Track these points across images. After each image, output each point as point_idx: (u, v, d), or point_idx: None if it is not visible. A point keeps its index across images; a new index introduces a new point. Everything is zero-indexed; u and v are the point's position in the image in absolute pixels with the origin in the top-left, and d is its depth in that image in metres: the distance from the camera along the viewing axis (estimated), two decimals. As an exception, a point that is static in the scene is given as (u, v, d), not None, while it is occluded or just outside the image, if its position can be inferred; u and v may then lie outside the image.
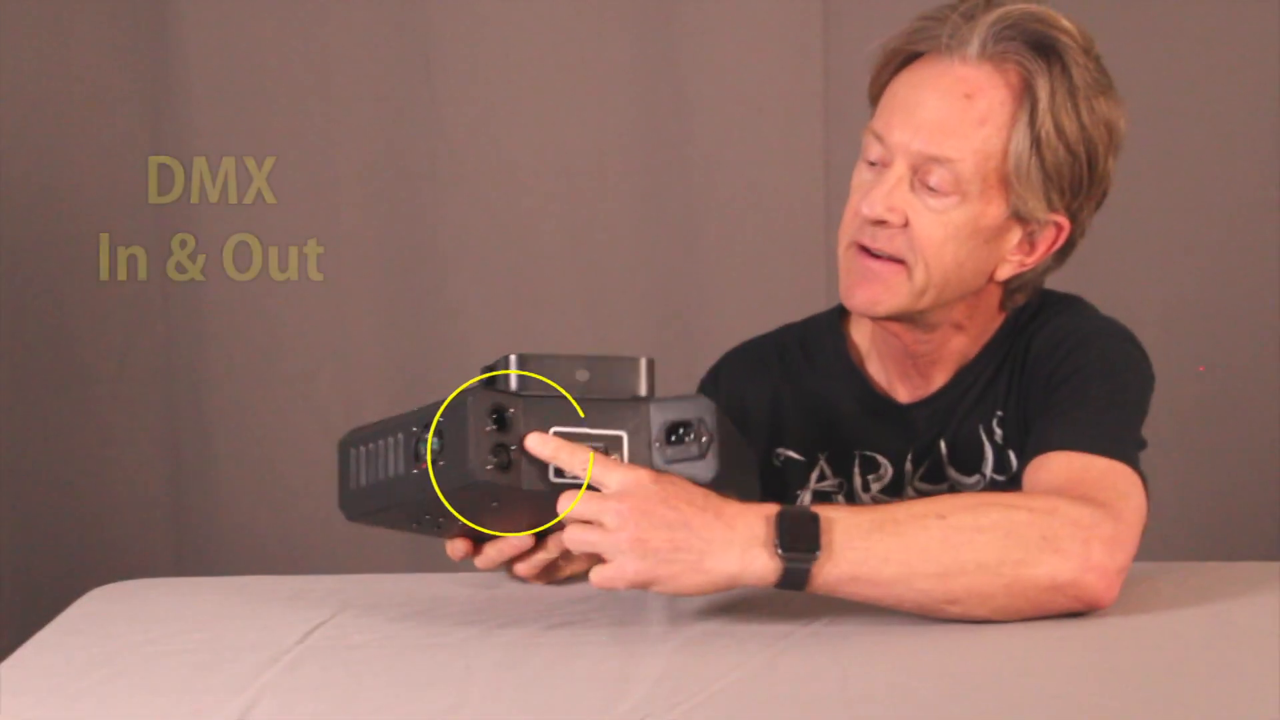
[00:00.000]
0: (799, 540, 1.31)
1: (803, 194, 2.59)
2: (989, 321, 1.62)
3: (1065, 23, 1.52)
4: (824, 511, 1.33)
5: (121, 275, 2.67)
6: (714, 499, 1.33)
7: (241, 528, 2.71)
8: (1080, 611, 1.36)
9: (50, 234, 2.66)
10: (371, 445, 1.38)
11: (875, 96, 1.58)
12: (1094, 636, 1.32)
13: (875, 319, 1.58)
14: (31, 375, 2.69)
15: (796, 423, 1.66)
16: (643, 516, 1.30)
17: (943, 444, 1.62)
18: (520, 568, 1.47)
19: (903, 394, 1.64)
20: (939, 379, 1.63)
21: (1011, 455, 1.60)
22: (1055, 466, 1.45)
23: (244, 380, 2.68)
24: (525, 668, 1.28)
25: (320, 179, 2.65)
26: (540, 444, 1.32)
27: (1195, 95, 2.54)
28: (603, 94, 2.61)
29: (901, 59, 1.56)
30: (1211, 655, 1.30)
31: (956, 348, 1.61)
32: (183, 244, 2.65)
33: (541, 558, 1.45)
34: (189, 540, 2.72)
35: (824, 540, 1.31)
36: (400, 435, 1.35)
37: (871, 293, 1.55)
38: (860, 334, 1.67)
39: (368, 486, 1.38)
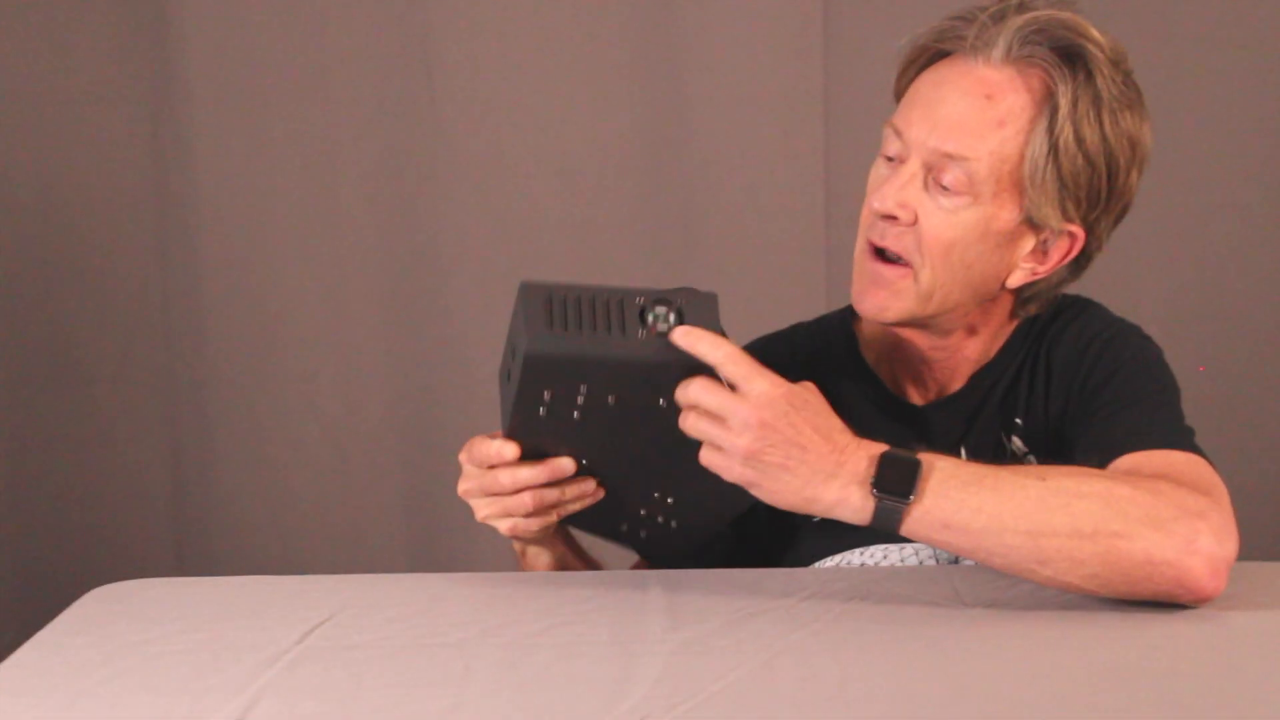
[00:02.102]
0: (896, 483, 1.34)
1: (803, 194, 2.59)
2: (1001, 327, 1.61)
3: (1095, 33, 1.50)
4: (927, 458, 1.35)
5: (122, 275, 2.67)
6: (836, 426, 1.35)
7: (241, 528, 2.71)
8: (1183, 602, 1.35)
9: (50, 234, 2.67)
10: (582, 298, 1.35)
11: (900, 93, 1.57)
12: (1094, 636, 1.32)
13: (886, 324, 1.58)
14: (31, 375, 2.69)
15: None
16: (766, 430, 1.33)
17: (963, 450, 1.60)
18: (525, 497, 1.44)
19: (916, 398, 1.63)
20: (954, 385, 1.62)
21: (1031, 463, 1.59)
22: (1140, 463, 1.44)
23: (244, 380, 2.69)
24: (525, 668, 1.28)
25: (320, 179, 2.65)
26: (687, 334, 1.34)
27: (1196, 94, 2.54)
28: (603, 94, 2.61)
29: (928, 57, 1.55)
30: (1211, 655, 1.30)
31: (970, 353, 1.61)
32: (183, 244, 2.65)
33: (555, 496, 1.44)
34: (189, 540, 2.72)
35: (920, 486, 1.34)
36: (622, 300, 1.35)
37: (879, 298, 1.54)
38: (873, 336, 1.65)
39: (573, 332, 1.34)
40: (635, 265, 2.63)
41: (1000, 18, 1.51)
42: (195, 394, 2.70)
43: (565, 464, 1.43)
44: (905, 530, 1.35)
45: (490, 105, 2.62)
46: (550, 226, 2.64)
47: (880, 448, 1.36)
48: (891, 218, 1.52)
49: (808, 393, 1.36)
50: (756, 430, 1.33)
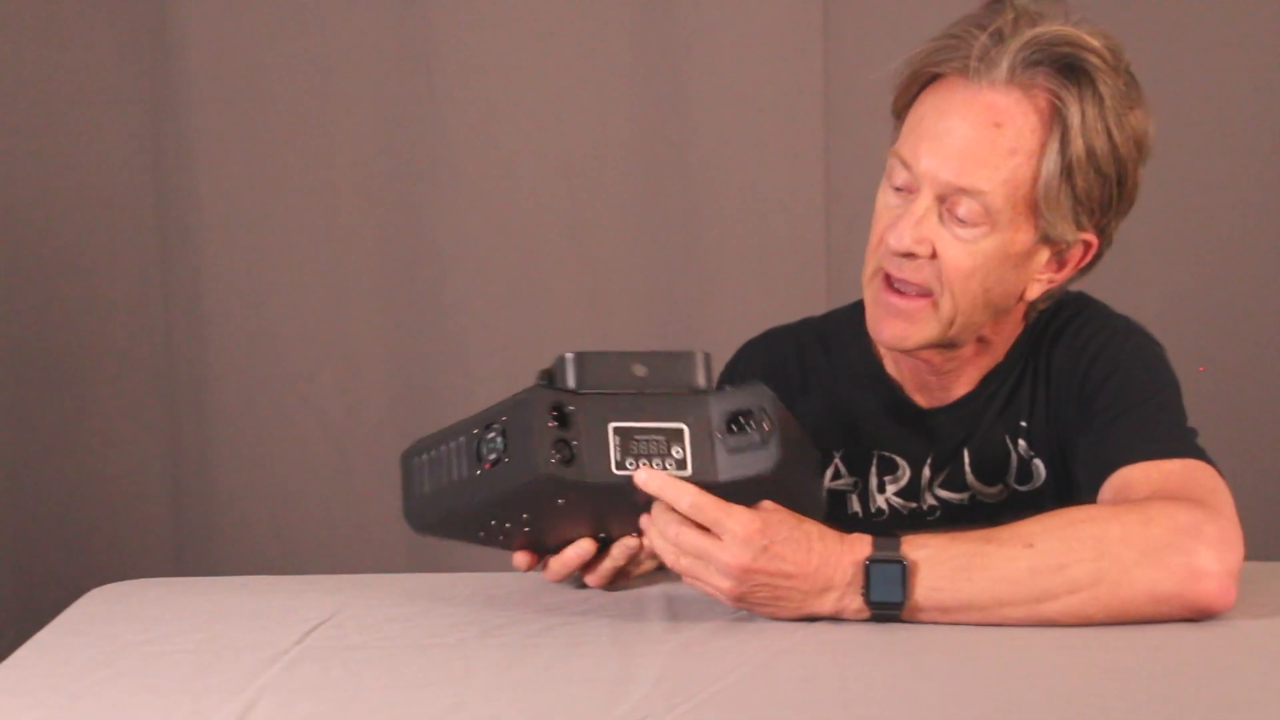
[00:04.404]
0: (887, 589, 1.34)
1: (803, 194, 2.59)
2: (1012, 333, 1.60)
3: (1093, 41, 1.48)
4: (911, 551, 1.34)
5: (122, 275, 2.67)
6: (812, 534, 1.35)
7: (241, 528, 2.71)
8: (1197, 618, 1.35)
9: (50, 234, 2.66)
10: (434, 452, 1.39)
11: (899, 113, 1.55)
12: (1093, 636, 1.32)
13: (905, 351, 1.57)
14: (31, 375, 2.69)
15: (812, 419, 1.64)
16: (746, 574, 1.33)
17: (966, 453, 1.60)
18: (590, 578, 1.46)
19: (921, 400, 1.62)
20: (959, 388, 1.61)
21: (1037, 465, 1.58)
22: (1135, 480, 1.44)
23: (244, 380, 2.68)
24: (525, 668, 1.28)
25: (320, 179, 2.65)
26: (649, 480, 1.33)
27: (1197, 94, 2.54)
28: (603, 94, 2.61)
29: (926, 78, 1.52)
30: (1212, 656, 1.30)
31: (979, 361, 1.60)
32: (183, 244, 2.65)
33: (609, 566, 1.45)
34: (189, 540, 2.72)
35: (909, 586, 1.34)
36: (462, 439, 1.37)
37: (899, 329, 1.53)
38: None
39: (432, 493, 1.39)
40: (636, 265, 2.63)
41: (999, 37, 1.48)
42: (195, 394, 2.70)
43: (580, 551, 1.44)
44: (906, 618, 1.35)
45: (490, 105, 2.62)
46: (550, 226, 2.64)
47: (864, 549, 1.35)
48: (909, 254, 1.51)
49: (775, 513, 1.35)
50: (738, 575, 1.33)
